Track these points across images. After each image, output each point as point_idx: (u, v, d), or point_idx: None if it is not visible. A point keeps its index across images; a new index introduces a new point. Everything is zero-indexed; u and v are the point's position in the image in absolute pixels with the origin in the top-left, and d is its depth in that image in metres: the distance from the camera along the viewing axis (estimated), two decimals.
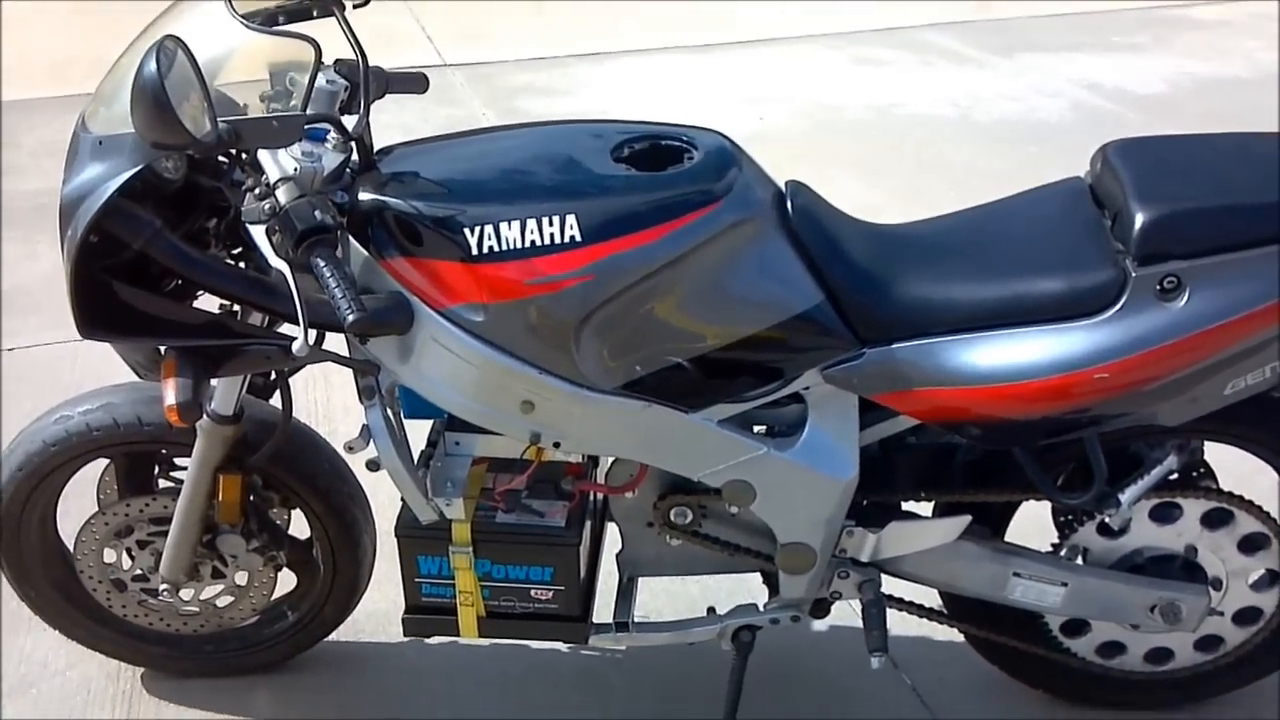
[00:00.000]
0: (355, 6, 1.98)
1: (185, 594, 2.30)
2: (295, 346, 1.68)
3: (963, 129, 5.62)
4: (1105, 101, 5.91)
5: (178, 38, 1.55)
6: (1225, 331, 1.76)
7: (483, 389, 1.84)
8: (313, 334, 1.72)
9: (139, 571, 2.28)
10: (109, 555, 2.27)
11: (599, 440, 1.92)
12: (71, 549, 2.27)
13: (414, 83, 2.11)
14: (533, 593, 2.08)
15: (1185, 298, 1.76)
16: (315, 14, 1.96)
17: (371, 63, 1.90)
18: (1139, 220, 1.77)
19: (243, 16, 1.78)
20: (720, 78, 6.41)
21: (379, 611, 2.52)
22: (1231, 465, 2.11)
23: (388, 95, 2.05)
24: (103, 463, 2.25)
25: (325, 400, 3.29)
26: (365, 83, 1.87)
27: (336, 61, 1.95)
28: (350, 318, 1.61)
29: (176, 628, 2.36)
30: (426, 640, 2.49)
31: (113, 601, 2.31)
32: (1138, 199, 1.79)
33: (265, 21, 1.86)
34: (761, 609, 2.15)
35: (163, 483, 2.28)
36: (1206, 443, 2.09)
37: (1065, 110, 5.81)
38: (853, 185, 4.82)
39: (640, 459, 1.97)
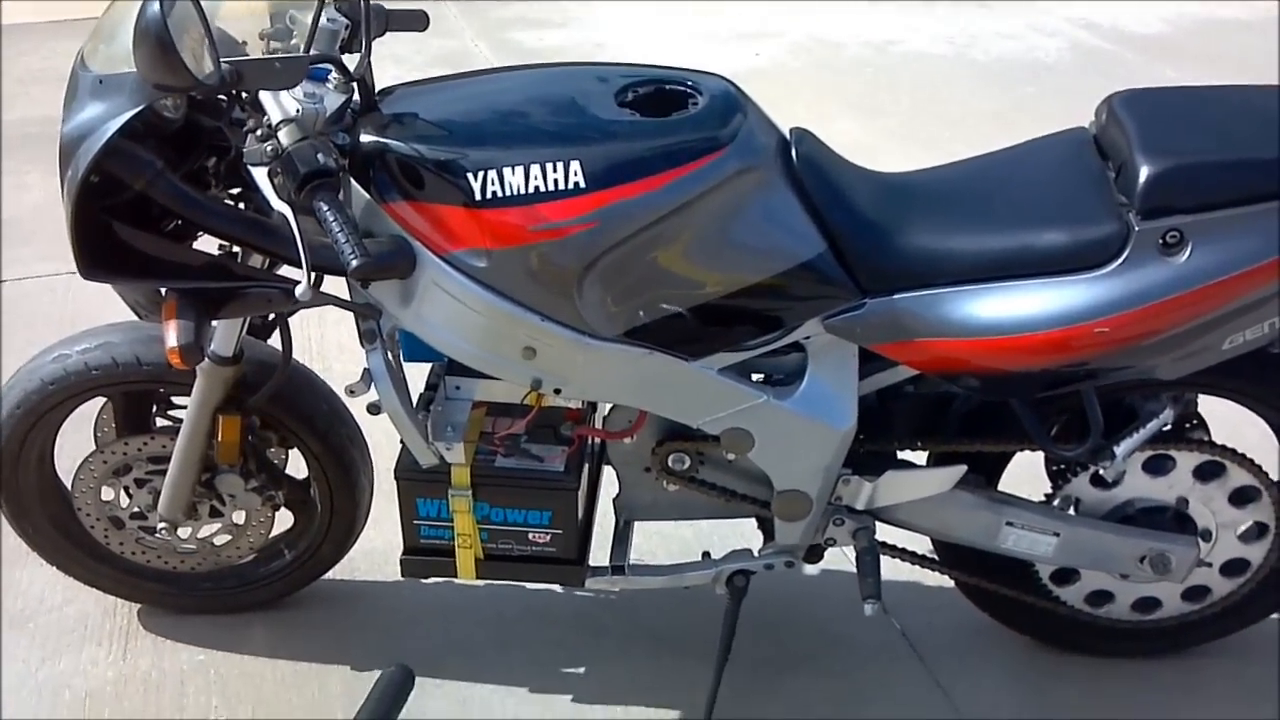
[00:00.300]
0: None
1: (183, 532, 2.31)
2: (298, 290, 1.68)
3: (960, 68, 5.58)
4: (1103, 42, 5.87)
5: None
6: (1226, 287, 1.76)
7: (485, 335, 1.84)
8: (315, 277, 1.70)
9: (137, 509, 2.29)
10: (107, 493, 2.27)
11: (600, 387, 1.93)
12: (69, 487, 2.27)
13: (414, 20, 2.09)
14: (530, 535, 2.09)
15: (1188, 252, 1.76)
16: None
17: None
18: (1143, 173, 1.77)
19: None
20: (714, 11, 6.34)
21: (375, 550, 2.54)
22: (1223, 417, 2.13)
23: (387, 33, 2.02)
24: (99, 401, 2.25)
25: (319, 338, 3.28)
26: (366, 22, 1.85)
27: None
28: (354, 263, 1.60)
29: (174, 565, 2.37)
30: (423, 580, 2.50)
31: (110, 539, 2.32)
32: (1142, 152, 1.79)
33: None
34: (756, 554, 2.16)
35: (160, 421, 2.28)
36: (1201, 396, 2.10)
37: (1063, 50, 5.76)
38: (850, 125, 4.79)
39: (641, 406, 1.97)
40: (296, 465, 2.33)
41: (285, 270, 1.93)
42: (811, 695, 2.29)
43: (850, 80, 5.39)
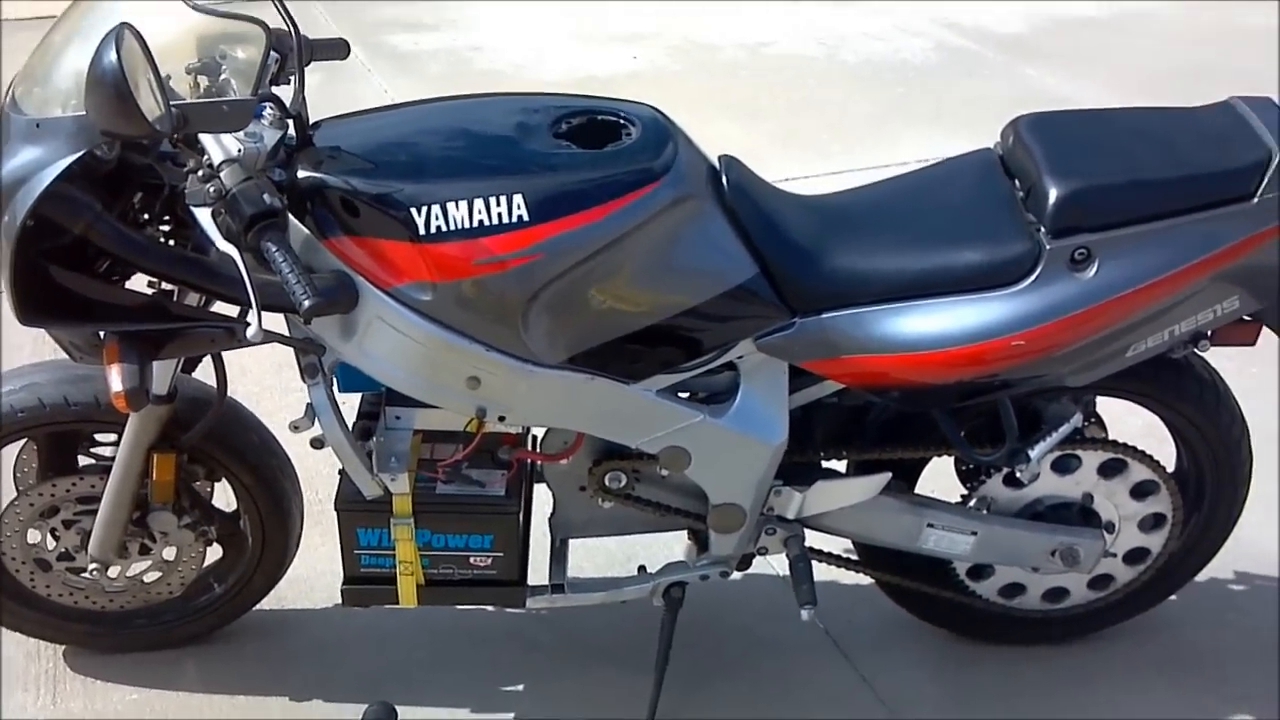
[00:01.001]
0: None
1: (112, 571, 2.28)
2: (249, 331, 1.68)
3: (831, 69, 5.73)
4: (967, 41, 6.09)
5: (131, 25, 1.52)
6: (1132, 299, 1.89)
7: (429, 366, 1.87)
8: (266, 317, 1.71)
9: (64, 550, 2.25)
10: (33, 536, 2.23)
11: (544, 413, 1.97)
12: None
13: (336, 49, 2.10)
14: (472, 559, 2.13)
15: (1095, 268, 1.89)
16: None
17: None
18: (1053, 195, 1.88)
19: None
20: (590, 14, 6.40)
21: (300, 578, 2.53)
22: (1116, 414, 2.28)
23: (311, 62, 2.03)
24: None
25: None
26: (299, 55, 1.85)
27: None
28: (306, 303, 1.62)
29: (102, 605, 2.34)
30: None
31: (36, 582, 2.28)
32: (1051, 174, 1.90)
33: None
34: (691, 565, 2.23)
35: (82, 460, 2.25)
36: (1100, 397, 2.24)
37: (929, 50, 5.96)
38: (731, 128, 4.89)
39: (584, 430, 2.02)
40: (223, 497, 2.32)
41: (220, 307, 1.94)
42: (746, 697, 2.37)
43: (727, 83, 5.50)
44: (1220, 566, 2.56)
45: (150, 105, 1.54)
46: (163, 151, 1.91)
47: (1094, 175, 1.90)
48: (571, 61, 5.73)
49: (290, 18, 1.88)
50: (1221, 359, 2.16)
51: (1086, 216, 1.88)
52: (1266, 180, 1.89)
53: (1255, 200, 1.89)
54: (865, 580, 2.49)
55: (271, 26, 1.86)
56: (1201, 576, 2.50)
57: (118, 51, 1.48)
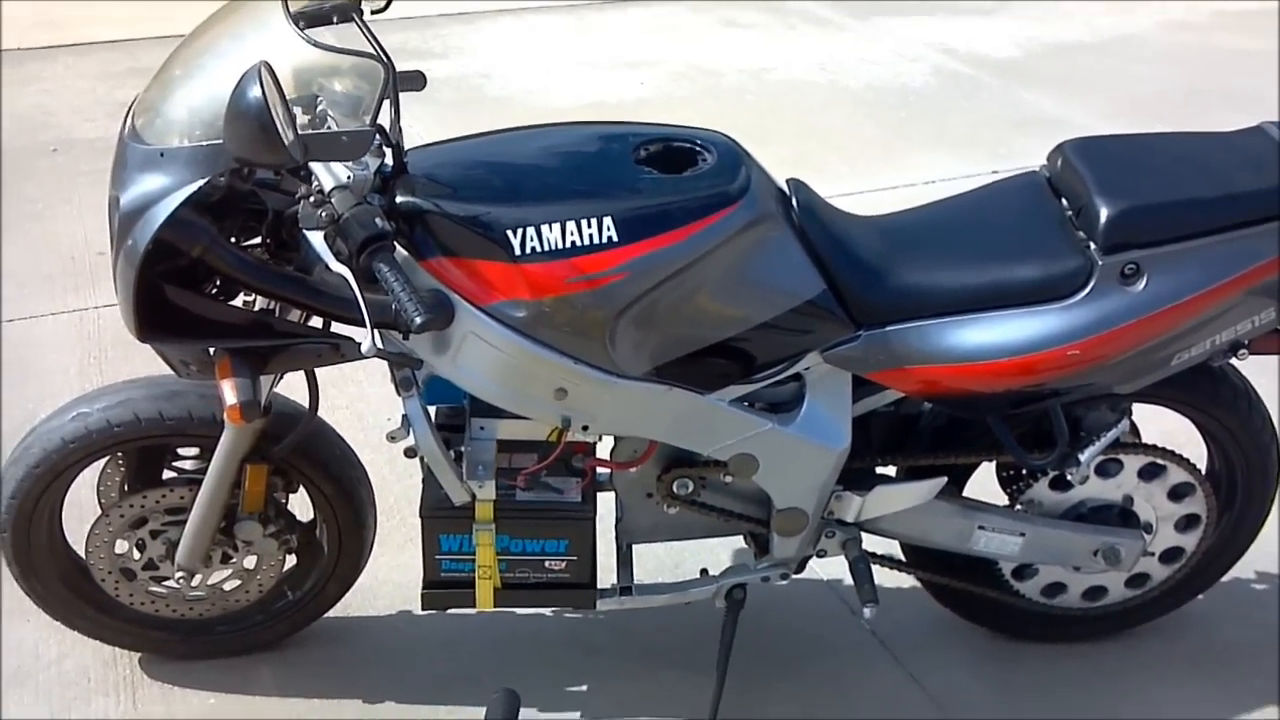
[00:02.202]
0: (374, 13, 2.07)
1: (195, 580, 2.36)
2: (364, 347, 1.79)
3: (834, 94, 5.87)
4: (963, 66, 6.25)
5: (268, 63, 1.63)
6: (1179, 311, 2.02)
7: (520, 378, 1.98)
8: (378, 334, 1.82)
9: (149, 560, 2.34)
10: (120, 546, 2.32)
11: (625, 422, 2.08)
12: (85, 542, 2.31)
13: (414, 80, 2.21)
14: (547, 564, 2.23)
15: (1144, 282, 2.02)
16: (335, 20, 2.04)
17: None
18: (1104, 214, 2.01)
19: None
20: (593, 39, 6.54)
21: (364, 586, 2.62)
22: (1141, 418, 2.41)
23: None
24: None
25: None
26: (394, 89, 1.96)
27: None
28: (418, 319, 1.73)
29: (181, 612, 2.43)
30: (415, 611, 2.61)
31: (120, 591, 2.37)
32: (1101, 194, 2.03)
33: None
34: (752, 568, 2.34)
35: (166, 473, 2.34)
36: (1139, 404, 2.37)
37: (927, 75, 6.12)
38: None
39: (661, 438, 2.13)
40: (298, 507, 2.42)
41: (317, 321, 2.05)
42: (801, 697, 2.47)
43: (734, 109, 5.64)
44: (1244, 567, 2.70)
45: (284, 137, 1.65)
46: (262, 180, 2.01)
47: (1142, 195, 2.03)
48: (580, 88, 5.85)
49: (384, 50, 1.99)
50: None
51: (1136, 234, 2.01)
52: None
53: None
54: (908, 582, 2.61)
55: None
56: (1227, 577, 2.63)
57: (261, 86, 1.58)
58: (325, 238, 1.83)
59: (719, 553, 2.63)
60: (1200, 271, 2.02)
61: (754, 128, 5.38)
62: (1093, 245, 2.03)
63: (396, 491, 2.90)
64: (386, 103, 1.98)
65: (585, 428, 2.06)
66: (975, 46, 6.54)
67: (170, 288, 1.87)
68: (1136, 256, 2.01)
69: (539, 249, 1.89)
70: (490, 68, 6.12)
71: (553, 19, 6.90)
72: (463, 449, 2.12)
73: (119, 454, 2.29)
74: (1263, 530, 2.49)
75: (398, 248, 1.91)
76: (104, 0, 6.70)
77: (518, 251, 1.89)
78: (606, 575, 2.34)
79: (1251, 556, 2.59)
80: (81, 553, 2.35)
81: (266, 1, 1.87)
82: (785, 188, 2.08)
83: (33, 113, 5.32)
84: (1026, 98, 5.81)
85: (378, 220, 1.77)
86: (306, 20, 2.00)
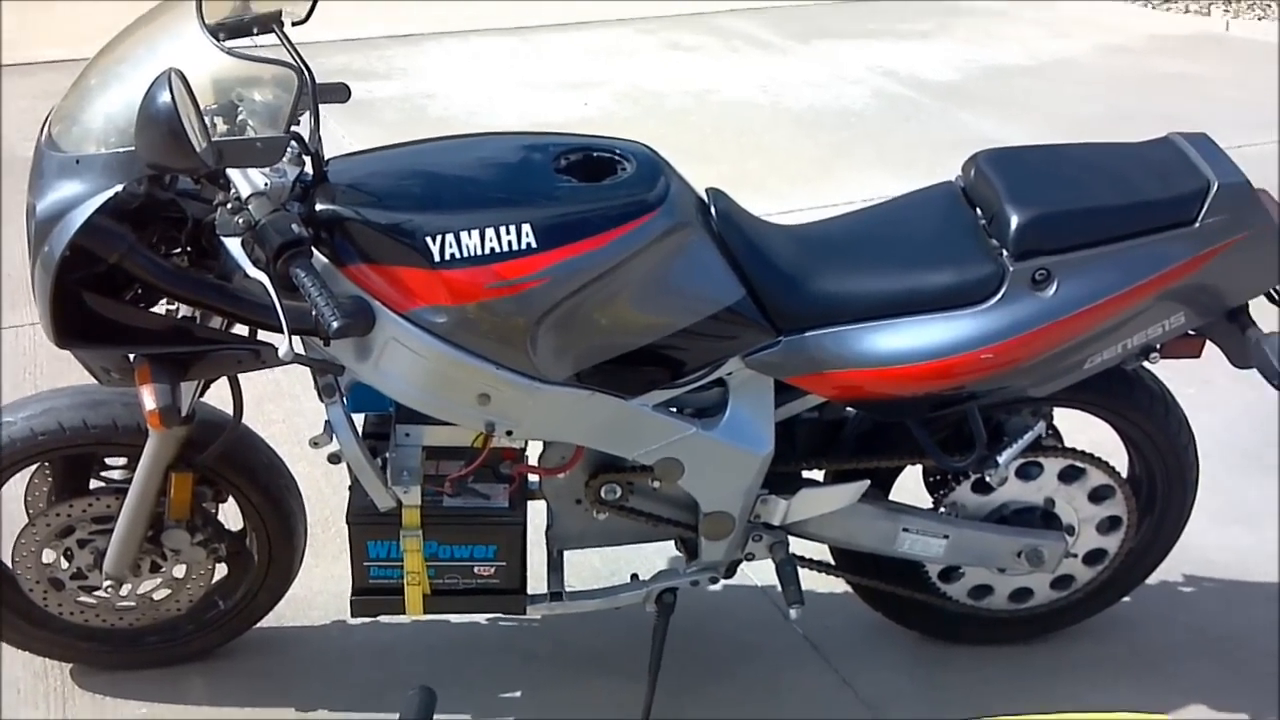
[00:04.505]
0: (295, 24, 2.09)
1: (124, 589, 2.36)
2: (280, 351, 1.80)
3: (776, 115, 5.95)
4: (903, 88, 6.35)
5: (178, 69, 1.64)
6: (1088, 315, 2.07)
7: (442, 384, 2.00)
8: (296, 340, 1.83)
9: (77, 569, 2.33)
10: (47, 556, 2.31)
11: (549, 427, 2.10)
12: (11, 554, 2.30)
13: (337, 93, 2.23)
14: (476, 569, 2.24)
15: (1055, 287, 2.07)
16: (256, 31, 2.06)
17: None
18: (1014, 221, 2.06)
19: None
20: (538, 61, 6.59)
21: (297, 596, 2.62)
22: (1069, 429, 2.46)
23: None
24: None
25: None
26: (314, 97, 1.98)
27: None
28: (335, 324, 1.74)
29: (111, 622, 2.42)
30: (349, 621, 2.62)
31: (49, 601, 2.36)
32: (1012, 202, 2.08)
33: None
34: (681, 572, 2.37)
35: (93, 483, 2.34)
36: (1056, 409, 2.41)
37: (868, 97, 6.21)
38: (686, 170, 5.06)
39: (585, 443, 2.15)
40: (228, 517, 2.42)
41: (239, 329, 2.06)
42: (733, 700, 2.50)
43: (677, 129, 5.69)
44: (1170, 570, 2.76)
45: (195, 142, 1.66)
46: (183, 189, 2.03)
47: (1052, 203, 2.08)
48: (524, 108, 5.89)
49: (304, 61, 2.01)
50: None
51: (1046, 240, 2.06)
52: (1206, 207, 2.08)
53: (1197, 225, 2.08)
54: (839, 587, 2.64)
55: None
56: (1152, 580, 2.68)
57: (171, 92, 1.60)
58: (243, 244, 1.85)
59: (653, 559, 2.65)
60: (1109, 276, 2.07)
61: (696, 148, 5.46)
62: (1005, 252, 2.08)
63: (332, 504, 2.90)
64: (309, 113, 2.01)
65: (509, 433, 2.08)
66: (915, 69, 6.64)
67: (88, 294, 1.88)
68: (1046, 262, 2.06)
69: (459, 255, 1.91)
70: (434, 88, 6.15)
71: (498, 41, 6.95)
72: (388, 455, 2.13)
73: (45, 463, 2.29)
74: (1184, 534, 2.54)
75: (318, 255, 1.93)
76: (50, 23, 6.69)
77: (437, 258, 1.91)
78: (539, 583, 2.36)
79: (1178, 561, 2.65)
80: (8, 562, 2.33)
81: (183, 11, 1.88)
82: (705, 197, 2.12)
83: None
84: (965, 119, 5.90)
85: (294, 226, 1.79)
86: (227, 31, 2.02)
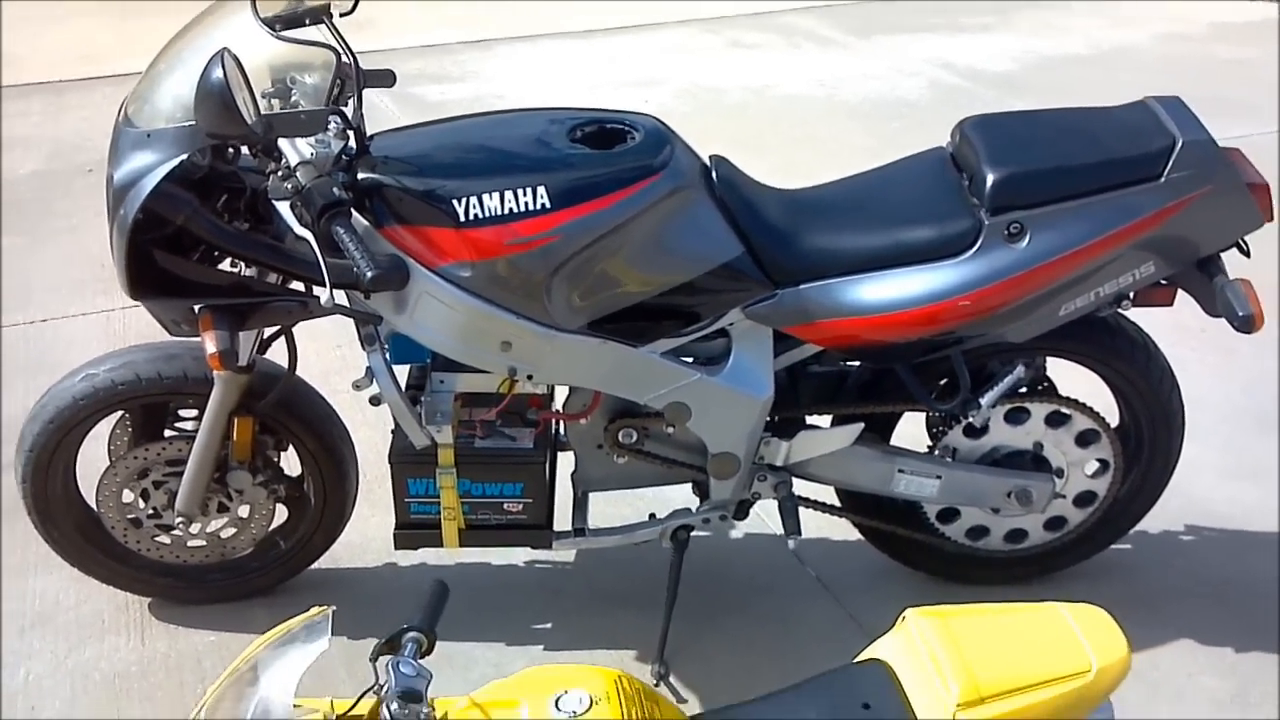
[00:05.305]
0: (342, 15, 2.34)
1: (194, 528, 2.63)
2: (323, 299, 2.05)
3: (831, 107, 6.12)
4: (959, 79, 6.47)
5: (230, 49, 1.90)
6: (1060, 264, 2.24)
7: (469, 332, 2.23)
8: (339, 293, 2.08)
9: (153, 510, 2.61)
10: (127, 496, 2.59)
11: (565, 371, 2.33)
12: (96, 492, 2.59)
13: (384, 78, 2.48)
14: (505, 506, 2.48)
15: (1027, 239, 2.25)
16: (308, 22, 2.32)
17: None
18: (989, 179, 2.25)
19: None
20: (604, 62, 6.82)
21: (353, 543, 2.89)
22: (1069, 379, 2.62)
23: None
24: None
25: None
26: (358, 79, 2.24)
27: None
28: (369, 274, 1.99)
29: (184, 559, 2.69)
30: (400, 564, 2.87)
31: (129, 538, 2.64)
32: (988, 162, 2.27)
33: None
34: (694, 511, 2.58)
35: (168, 432, 2.61)
36: (1048, 361, 2.58)
37: (923, 88, 6.35)
38: (738, 160, 5.24)
39: (598, 387, 2.37)
40: (287, 464, 2.68)
41: (295, 286, 2.32)
42: (747, 633, 2.70)
43: (734, 122, 5.89)
44: (1170, 521, 2.91)
45: (246, 113, 1.92)
46: (243, 165, 2.29)
47: (1024, 162, 2.27)
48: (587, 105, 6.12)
49: (349, 47, 2.27)
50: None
51: (1018, 196, 2.25)
52: (1172, 162, 2.25)
53: (1163, 180, 2.25)
54: (853, 536, 2.83)
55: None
56: (1153, 529, 2.83)
57: (223, 69, 1.86)
58: (292, 208, 2.10)
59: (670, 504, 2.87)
60: (1079, 229, 2.25)
61: (751, 139, 5.66)
62: (982, 209, 2.26)
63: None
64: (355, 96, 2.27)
65: (530, 377, 2.31)
66: (972, 61, 6.76)
67: (158, 252, 2.15)
68: (1020, 216, 2.24)
69: (481, 215, 2.15)
70: (504, 89, 6.42)
71: (567, 44, 7.20)
72: (424, 399, 2.37)
73: (125, 413, 2.57)
74: (1189, 488, 2.67)
75: (358, 217, 2.18)
76: (141, 34, 7.09)
77: (463, 218, 2.15)
78: (568, 525, 2.59)
79: (1181, 512, 2.79)
80: (94, 504, 2.62)
81: (240, 4, 2.14)
82: (708, 163, 2.33)
83: (72, 138, 5.69)
84: (1019, 107, 5.99)
85: (336, 190, 2.04)
86: (282, 22, 2.27)
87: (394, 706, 1.48)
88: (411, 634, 1.67)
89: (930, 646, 1.63)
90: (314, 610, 1.68)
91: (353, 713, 1.58)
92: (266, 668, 1.66)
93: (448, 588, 1.82)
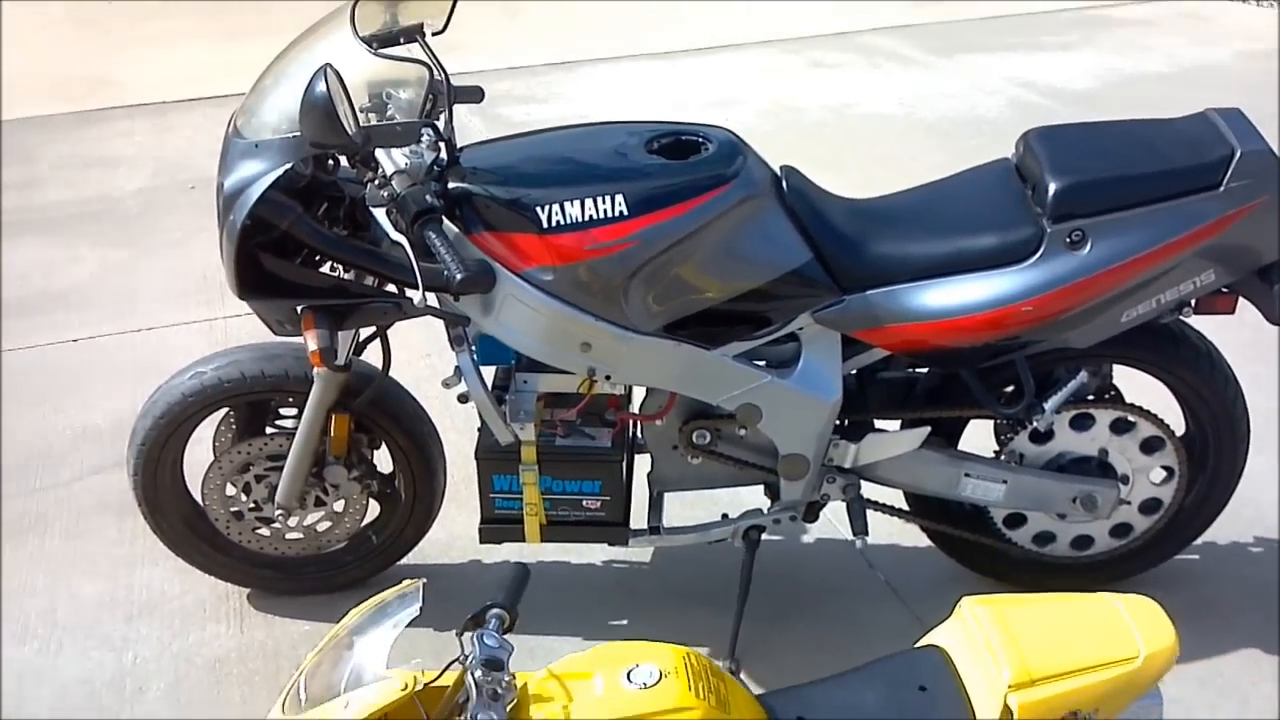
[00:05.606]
0: (434, 34, 2.49)
1: (292, 520, 2.78)
2: (415, 299, 2.20)
3: (910, 126, 6.19)
4: (1039, 97, 6.51)
5: (332, 65, 2.05)
6: (1121, 271, 2.31)
7: (551, 334, 2.36)
8: (430, 296, 2.22)
9: (254, 503, 2.76)
10: (230, 490, 2.75)
11: (641, 372, 2.44)
12: (200, 488, 2.75)
13: (473, 94, 2.62)
14: (584, 503, 2.59)
15: (1089, 247, 2.32)
16: (401, 40, 2.47)
17: None
18: (1051, 188, 2.33)
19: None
20: (686, 83, 6.96)
21: (439, 540, 3.02)
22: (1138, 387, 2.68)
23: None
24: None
25: None
26: (449, 95, 2.39)
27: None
28: (459, 276, 2.12)
29: (282, 551, 2.85)
30: (484, 561, 3.00)
31: (230, 530, 2.80)
32: (1050, 172, 2.35)
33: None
34: (765, 512, 2.67)
35: (269, 429, 2.77)
36: (1114, 369, 2.64)
37: (1002, 106, 6.39)
38: (816, 178, 5.34)
39: (673, 388, 2.48)
40: (380, 462, 2.83)
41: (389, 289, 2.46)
42: (816, 632, 2.79)
43: (813, 140, 5.99)
44: (1240, 533, 2.94)
45: (347, 125, 2.06)
46: (342, 175, 2.44)
47: (1086, 171, 2.34)
48: None
49: (440, 64, 2.41)
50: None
51: (1080, 205, 2.32)
52: (1231, 172, 2.31)
53: (1221, 189, 2.31)
54: (923, 543, 2.90)
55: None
56: (1222, 539, 2.86)
57: (326, 83, 2.01)
58: (388, 214, 2.25)
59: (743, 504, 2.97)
60: (1140, 237, 2.31)
61: (829, 157, 5.75)
62: (1044, 217, 2.34)
63: (472, 467, 3.30)
64: (446, 111, 2.41)
65: (608, 377, 2.43)
66: (1053, 79, 6.79)
67: (264, 255, 2.30)
68: (1081, 224, 2.32)
69: (563, 222, 2.28)
70: (588, 110, 6.57)
71: (650, 65, 7.35)
72: (508, 398, 2.50)
73: (231, 410, 2.73)
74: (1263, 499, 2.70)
75: (449, 224, 2.31)
76: (242, 57, 7.37)
77: (545, 225, 2.28)
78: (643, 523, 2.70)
79: (1252, 523, 2.81)
80: (199, 498, 2.78)
81: (340, 23, 2.29)
82: (778, 173, 2.44)
83: (175, 156, 5.95)
84: None
85: (428, 197, 2.18)
86: (379, 41, 2.43)
87: (478, 674, 1.58)
88: (495, 610, 1.78)
89: (984, 632, 1.71)
90: (406, 582, 1.81)
91: (438, 683, 1.69)
92: (361, 635, 1.78)
93: (528, 570, 1.94)
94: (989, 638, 1.70)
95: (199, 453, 2.82)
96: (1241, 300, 2.46)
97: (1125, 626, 1.72)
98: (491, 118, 6.29)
